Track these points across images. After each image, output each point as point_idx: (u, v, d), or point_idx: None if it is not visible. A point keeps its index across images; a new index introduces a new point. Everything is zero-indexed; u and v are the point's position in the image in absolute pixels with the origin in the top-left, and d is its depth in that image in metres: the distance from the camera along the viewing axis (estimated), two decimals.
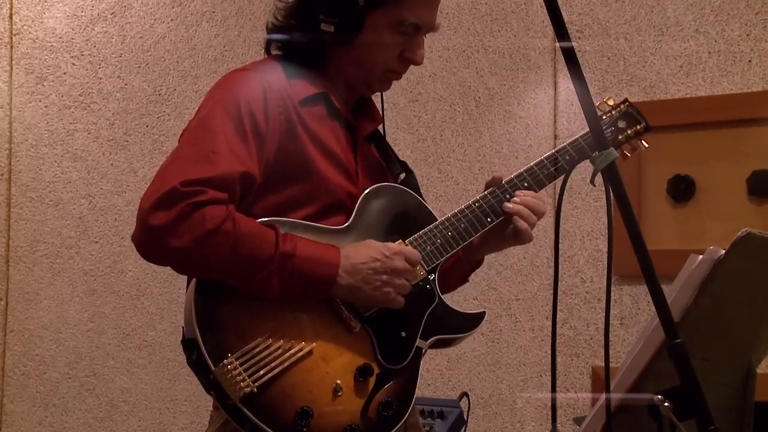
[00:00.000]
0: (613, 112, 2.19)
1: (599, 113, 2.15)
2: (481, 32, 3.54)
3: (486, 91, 3.52)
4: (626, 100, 2.24)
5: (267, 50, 2.06)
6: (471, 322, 2.01)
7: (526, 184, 2.05)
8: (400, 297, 1.87)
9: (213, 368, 1.71)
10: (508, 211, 2.01)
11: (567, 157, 2.08)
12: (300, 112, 1.91)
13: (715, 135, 3.18)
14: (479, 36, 3.54)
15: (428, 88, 3.61)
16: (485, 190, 2.05)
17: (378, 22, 1.93)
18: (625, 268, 3.06)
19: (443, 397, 3.26)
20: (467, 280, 2.21)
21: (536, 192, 2.06)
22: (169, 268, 1.83)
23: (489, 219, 2.02)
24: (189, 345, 1.76)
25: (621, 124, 2.18)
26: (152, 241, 1.75)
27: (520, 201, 2.03)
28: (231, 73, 1.97)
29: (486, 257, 2.19)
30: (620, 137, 2.17)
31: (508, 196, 2.03)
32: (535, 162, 2.08)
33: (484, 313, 2.03)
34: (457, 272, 2.17)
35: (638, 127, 2.20)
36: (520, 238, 2.03)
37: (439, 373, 3.52)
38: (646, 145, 2.22)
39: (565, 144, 2.10)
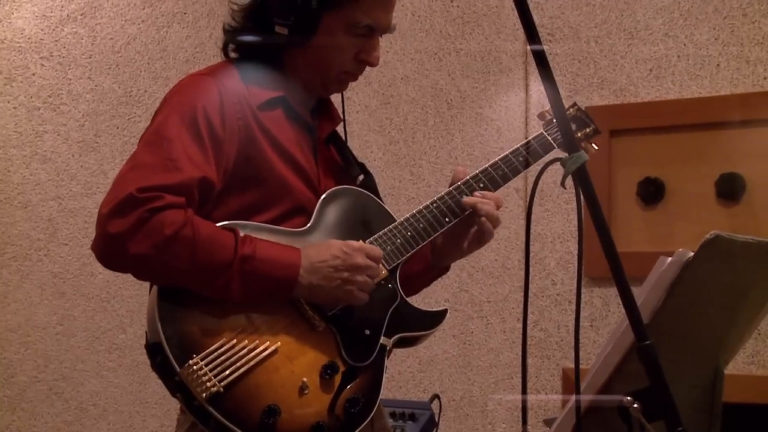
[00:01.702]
0: None
1: (548, 117, 2.18)
2: (452, 35, 3.54)
3: (458, 93, 3.53)
4: (575, 103, 2.27)
5: (225, 53, 2.06)
6: (434, 319, 2.03)
7: (482, 185, 2.07)
8: (363, 294, 1.87)
9: (178, 370, 1.71)
10: (466, 203, 2.03)
11: (521, 158, 2.11)
12: (258, 116, 1.91)
13: (684, 138, 3.20)
14: (451, 39, 3.54)
15: (400, 91, 3.61)
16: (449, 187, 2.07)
17: (332, 24, 1.93)
18: (595, 270, 3.09)
19: (414, 399, 3.26)
20: (428, 285, 2.23)
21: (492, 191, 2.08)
22: None
23: (447, 219, 2.04)
24: (153, 349, 1.76)
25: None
26: (111, 249, 1.74)
27: (478, 194, 2.05)
28: (187, 78, 1.97)
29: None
30: None
31: (465, 195, 2.05)
32: (489, 163, 2.10)
33: (446, 310, 2.05)
34: (423, 279, 2.19)
35: (587, 130, 2.24)
36: (481, 231, 2.04)
37: (410, 375, 3.52)
38: (596, 148, 2.25)
39: (518, 145, 2.13)
